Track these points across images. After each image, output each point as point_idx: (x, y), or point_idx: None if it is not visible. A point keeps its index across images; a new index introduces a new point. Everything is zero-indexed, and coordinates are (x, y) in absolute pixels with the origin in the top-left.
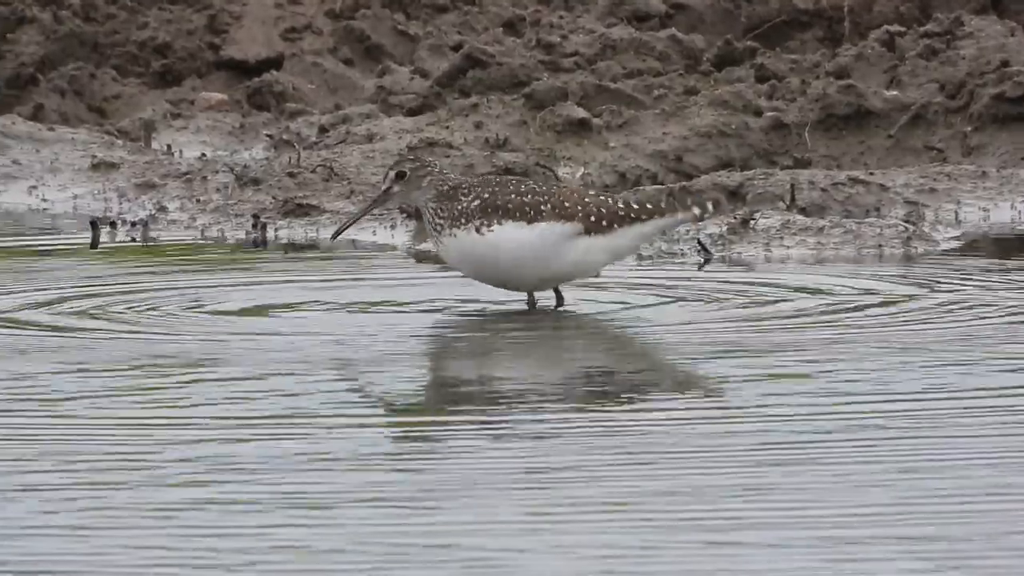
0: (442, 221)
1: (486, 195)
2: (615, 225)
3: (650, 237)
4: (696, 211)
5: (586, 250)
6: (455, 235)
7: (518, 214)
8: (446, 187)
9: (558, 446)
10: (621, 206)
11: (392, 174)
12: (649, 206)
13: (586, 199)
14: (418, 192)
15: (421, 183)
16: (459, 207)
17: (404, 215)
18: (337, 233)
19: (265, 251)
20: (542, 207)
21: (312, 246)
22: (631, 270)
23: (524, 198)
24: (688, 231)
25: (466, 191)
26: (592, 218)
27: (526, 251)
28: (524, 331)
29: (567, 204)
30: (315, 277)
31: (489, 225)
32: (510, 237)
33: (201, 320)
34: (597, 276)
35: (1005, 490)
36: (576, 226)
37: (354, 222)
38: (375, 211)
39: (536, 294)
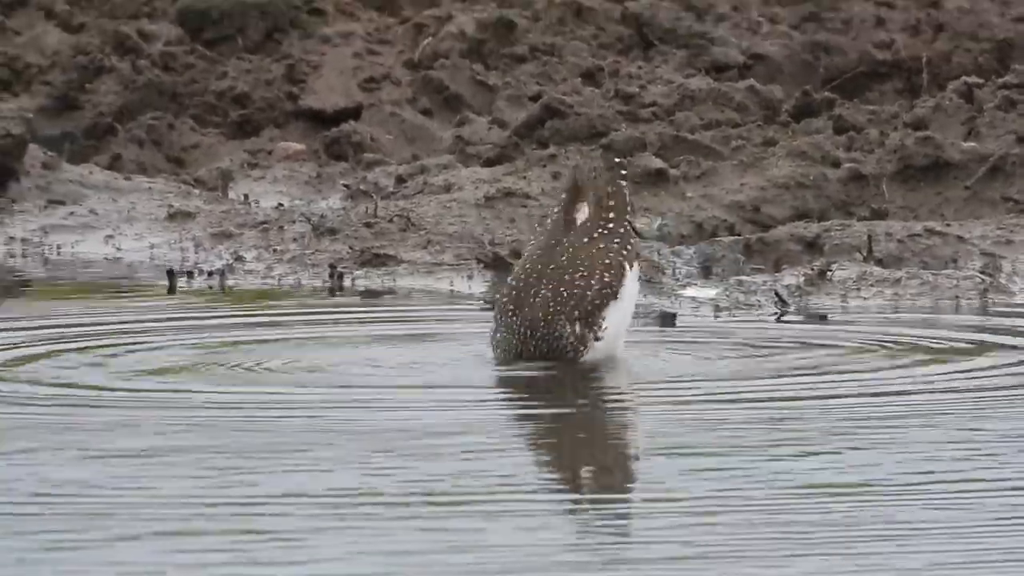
0: (566, 343)
1: (574, 311)
2: (629, 265)
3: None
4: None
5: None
6: (591, 346)
7: (605, 297)
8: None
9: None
10: (624, 231)
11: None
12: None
13: (593, 251)
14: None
15: None
16: (569, 342)
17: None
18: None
19: (341, 298)
20: (606, 277)
21: (389, 293)
22: (713, 321)
23: (593, 284)
24: (765, 282)
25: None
26: (638, 255)
27: (628, 317)
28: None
29: (606, 261)
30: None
31: (600, 326)
32: (618, 318)
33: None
34: None
35: None
36: (636, 270)
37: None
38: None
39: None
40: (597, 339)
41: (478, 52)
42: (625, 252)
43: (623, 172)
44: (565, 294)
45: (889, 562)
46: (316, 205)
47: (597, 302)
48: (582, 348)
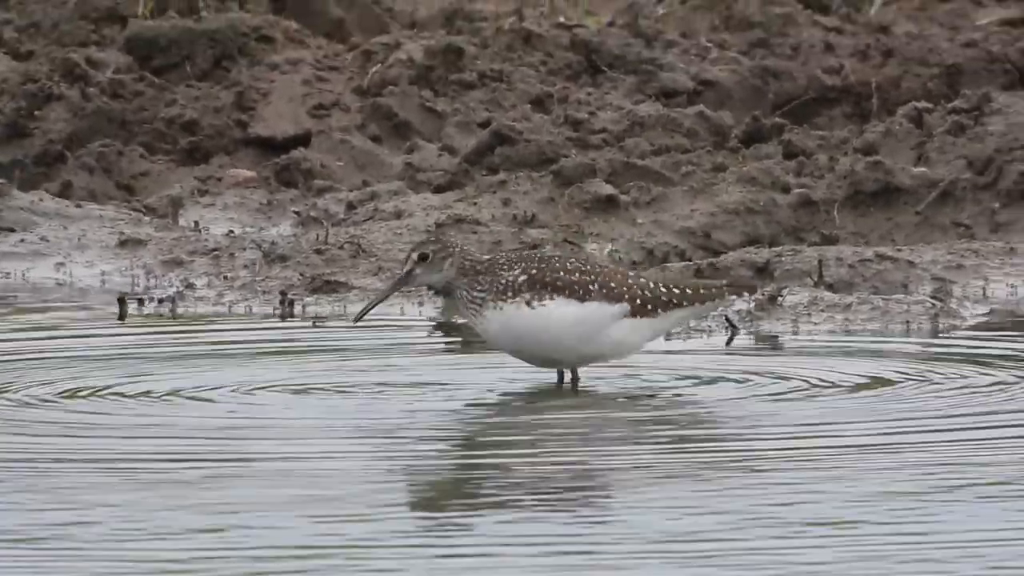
0: (482, 295)
1: (534, 270)
2: (659, 310)
3: (688, 321)
4: (732, 298)
5: (631, 330)
6: (501, 308)
7: (569, 291)
8: (471, 264)
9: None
10: (663, 291)
11: (414, 256)
12: (690, 292)
13: (629, 280)
14: (439, 274)
15: (443, 264)
16: (502, 281)
17: (432, 291)
18: (360, 316)
19: (292, 326)
20: (590, 286)
21: (339, 321)
22: (659, 349)
23: (573, 276)
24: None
25: (506, 266)
26: (638, 301)
27: (575, 327)
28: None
29: (613, 285)
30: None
31: (540, 299)
32: (562, 313)
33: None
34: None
35: None
36: (624, 307)
37: (375, 305)
38: (400, 291)
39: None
40: (529, 305)
41: (427, 79)
42: (636, 292)
43: (732, 297)
44: (548, 258)
45: None
46: (267, 232)
47: (559, 284)
48: (500, 299)
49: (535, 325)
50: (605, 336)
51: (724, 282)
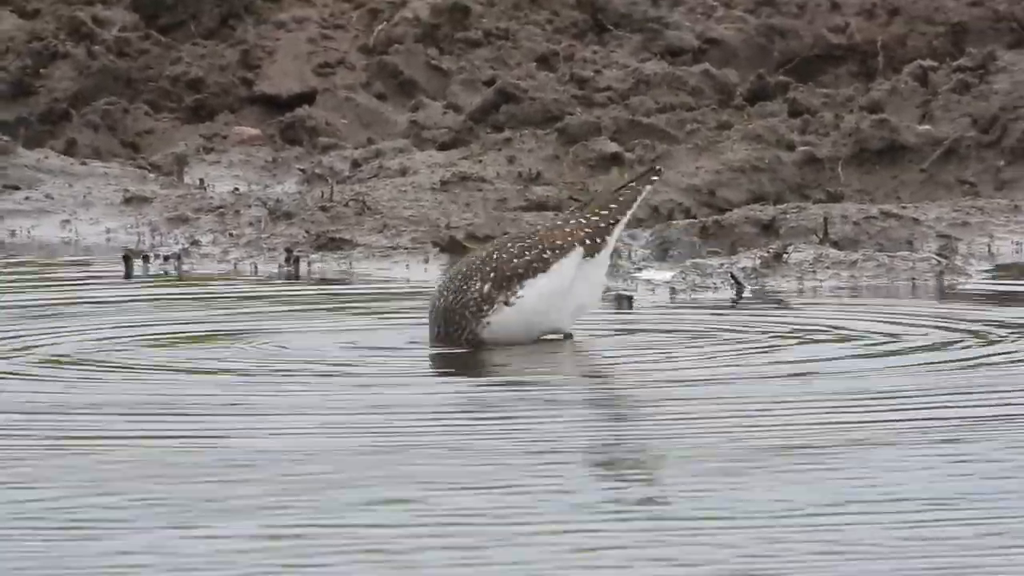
0: (468, 326)
1: (490, 273)
2: (604, 237)
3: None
4: (650, 185)
5: (596, 266)
6: (487, 323)
7: (531, 269)
8: (456, 316)
9: None
10: (598, 218)
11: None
12: (613, 205)
13: (567, 229)
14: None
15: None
16: (472, 299)
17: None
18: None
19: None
20: (543, 253)
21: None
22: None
23: (525, 255)
24: (722, 264)
25: (465, 289)
26: (587, 240)
27: (556, 294)
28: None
29: (560, 242)
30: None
31: (514, 293)
32: (538, 290)
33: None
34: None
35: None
36: (579, 252)
37: None
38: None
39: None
40: (507, 304)
41: (432, 37)
42: (581, 234)
43: (654, 178)
44: (494, 257)
45: None
46: (272, 189)
47: (520, 271)
48: (486, 307)
49: (525, 315)
50: (581, 285)
51: (636, 176)
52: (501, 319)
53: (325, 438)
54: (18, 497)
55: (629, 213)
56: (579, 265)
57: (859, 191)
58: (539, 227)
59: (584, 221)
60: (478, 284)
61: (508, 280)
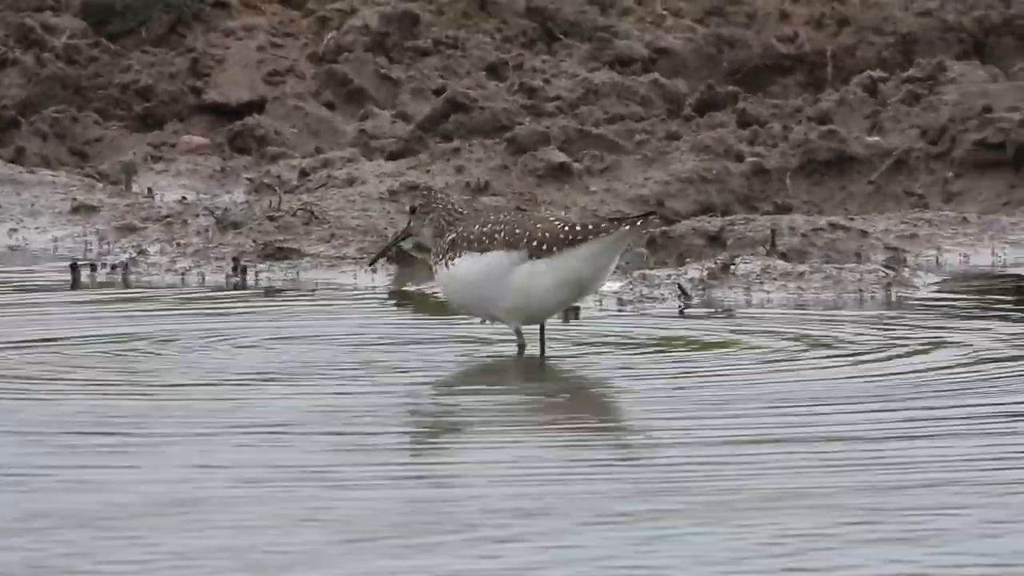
0: (434, 257)
1: (460, 228)
2: (555, 248)
3: (598, 261)
4: (626, 228)
5: (530, 275)
6: (437, 270)
7: (474, 245)
8: (444, 222)
9: None
10: (564, 228)
11: (407, 208)
12: (590, 226)
13: (538, 225)
14: (424, 228)
15: (424, 219)
16: (441, 243)
17: (385, 258)
18: (372, 261)
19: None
20: (496, 236)
21: (292, 289)
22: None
23: (484, 228)
24: (669, 275)
25: (452, 226)
26: (535, 243)
27: (482, 279)
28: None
29: (517, 231)
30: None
31: (452, 260)
32: (467, 267)
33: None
34: (562, 310)
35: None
36: (520, 253)
37: (386, 253)
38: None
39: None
40: (446, 266)
41: (382, 45)
42: (538, 235)
43: (638, 222)
44: (472, 220)
45: None
46: (220, 199)
47: (467, 242)
48: (439, 259)
49: (452, 283)
50: (511, 284)
51: (621, 216)
52: (441, 276)
53: None
54: None
55: (590, 246)
56: (513, 263)
57: (807, 202)
58: (548, 213)
59: (552, 226)
60: (451, 236)
61: (455, 245)
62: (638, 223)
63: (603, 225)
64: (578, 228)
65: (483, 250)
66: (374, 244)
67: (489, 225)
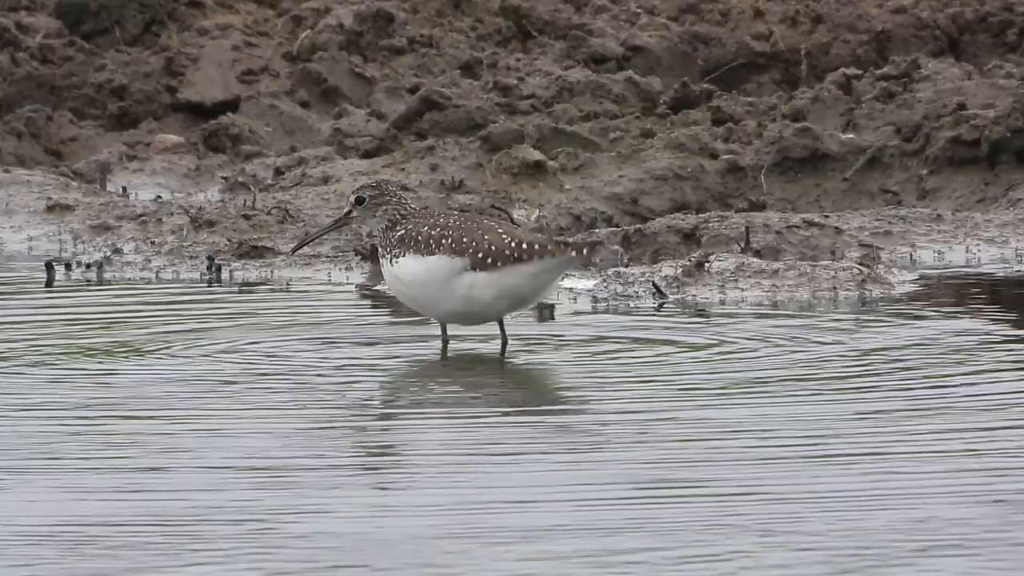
0: (381, 249)
1: (410, 226)
2: (499, 263)
3: (540, 279)
4: (572, 255)
5: (472, 284)
6: (383, 265)
7: (419, 247)
8: (397, 216)
9: None
10: (510, 244)
11: (352, 198)
12: (536, 247)
13: (485, 236)
14: (373, 220)
15: (376, 211)
16: (390, 237)
17: (359, 256)
18: (295, 249)
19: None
20: (443, 241)
21: (265, 286)
22: (585, 315)
23: (433, 231)
24: (644, 273)
25: (403, 222)
26: (480, 255)
27: (422, 282)
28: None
29: (464, 240)
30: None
31: (397, 257)
32: (408, 268)
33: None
34: (503, 317)
35: None
36: (464, 261)
37: (312, 240)
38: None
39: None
40: (390, 262)
41: (356, 44)
42: (483, 247)
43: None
44: (426, 221)
45: None
46: (194, 197)
47: (412, 241)
48: (387, 253)
49: (395, 281)
50: (453, 289)
51: (569, 241)
52: (386, 272)
53: None
54: None
55: (533, 265)
56: (454, 271)
57: (781, 199)
58: (506, 225)
59: (504, 240)
60: (400, 232)
61: (402, 242)
62: (584, 251)
63: (549, 247)
64: (524, 246)
65: (427, 253)
66: (348, 242)
67: (438, 228)
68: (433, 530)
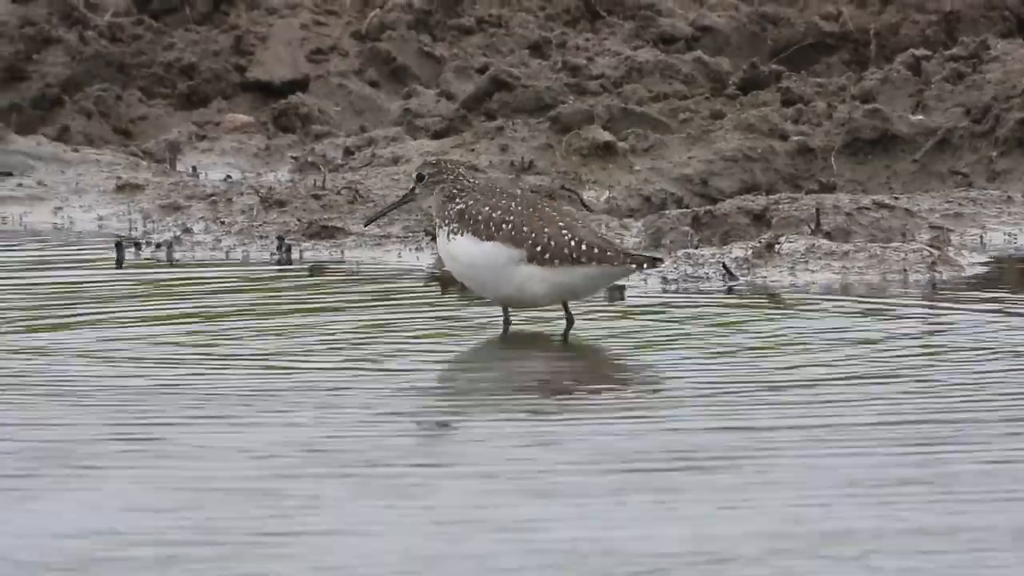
0: (438, 221)
1: (471, 202)
2: (555, 261)
3: (595, 282)
4: (632, 266)
5: (527, 277)
6: (439, 238)
7: (479, 228)
8: (454, 191)
9: None
10: (570, 243)
11: (414, 175)
12: (596, 251)
13: (545, 229)
14: (432, 197)
15: (434, 188)
16: (448, 210)
17: (429, 236)
18: (369, 221)
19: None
20: (503, 226)
21: (337, 267)
22: (657, 295)
23: (494, 213)
24: (714, 254)
25: (463, 195)
26: (538, 248)
27: (478, 265)
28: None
29: (525, 230)
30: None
31: (455, 233)
32: (464, 250)
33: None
34: (555, 304)
35: None
36: (521, 253)
37: (384, 214)
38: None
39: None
40: (447, 238)
41: (425, 24)
42: (542, 240)
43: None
44: (488, 200)
45: None
46: (264, 177)
47: (472, 221)
48: (443, 226)
49: (450, 259)
50: (507, 278)
51: (631, 253)
52: (441, 246)
53: None
54: None
55: (592, 269)
56: (511, 260)
57: (852, 181)
58: (567, 214)
59: (565, 239)
60: (459, 206)
61: (461, 217)
62: (644, 265)
63: (609, 253)
64: (583, 248)
65: (486, 237)
66: (418, 223)
67: (499, 211)
68: None
